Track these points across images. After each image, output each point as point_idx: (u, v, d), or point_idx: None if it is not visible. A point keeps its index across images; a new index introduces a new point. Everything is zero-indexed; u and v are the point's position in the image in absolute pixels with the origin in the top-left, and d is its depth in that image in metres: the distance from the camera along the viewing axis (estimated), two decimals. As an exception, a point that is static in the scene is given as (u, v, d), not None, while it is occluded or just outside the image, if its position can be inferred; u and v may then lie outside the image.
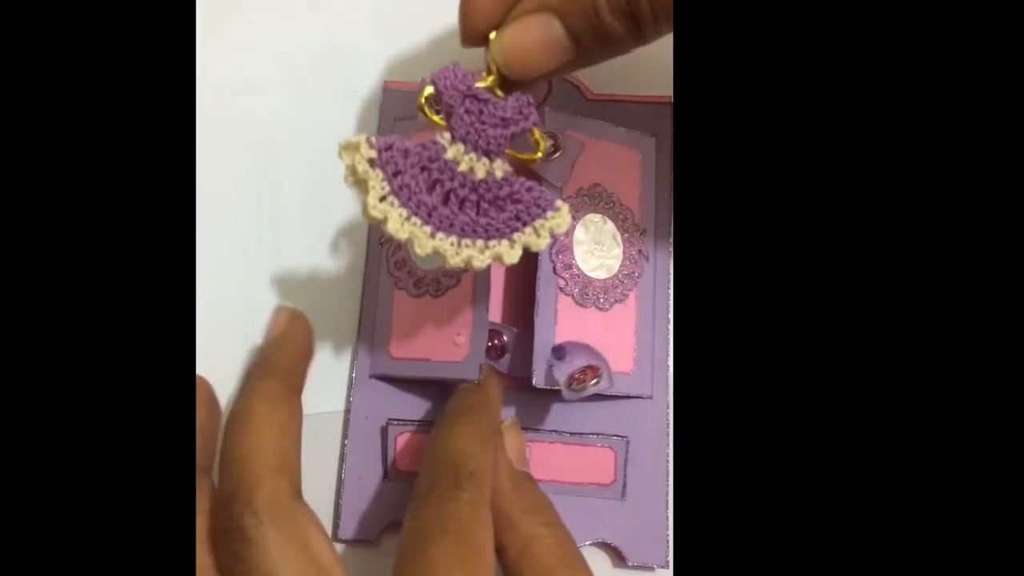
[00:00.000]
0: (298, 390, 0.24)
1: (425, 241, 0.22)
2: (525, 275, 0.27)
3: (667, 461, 0.27)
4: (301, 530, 0.21)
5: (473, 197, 0.23)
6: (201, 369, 0.27)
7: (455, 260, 0.23)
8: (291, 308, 0.26)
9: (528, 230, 0.23)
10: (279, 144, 0.31)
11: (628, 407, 0.28)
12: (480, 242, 0.23)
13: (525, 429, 0.27)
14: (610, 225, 0.28)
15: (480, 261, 0.23)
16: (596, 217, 0.28)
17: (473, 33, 0.22)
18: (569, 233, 0.27)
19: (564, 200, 0.24)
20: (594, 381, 0.25)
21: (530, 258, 0.26)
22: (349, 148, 0.22)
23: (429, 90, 0.22)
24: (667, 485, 0.27)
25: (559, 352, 0.26)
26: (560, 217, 0.23)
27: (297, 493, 0.22)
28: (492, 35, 0.22)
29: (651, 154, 0.29)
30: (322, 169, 0.30)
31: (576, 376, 0.25)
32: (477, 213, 0.23)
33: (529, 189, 0.23)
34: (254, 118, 0.31)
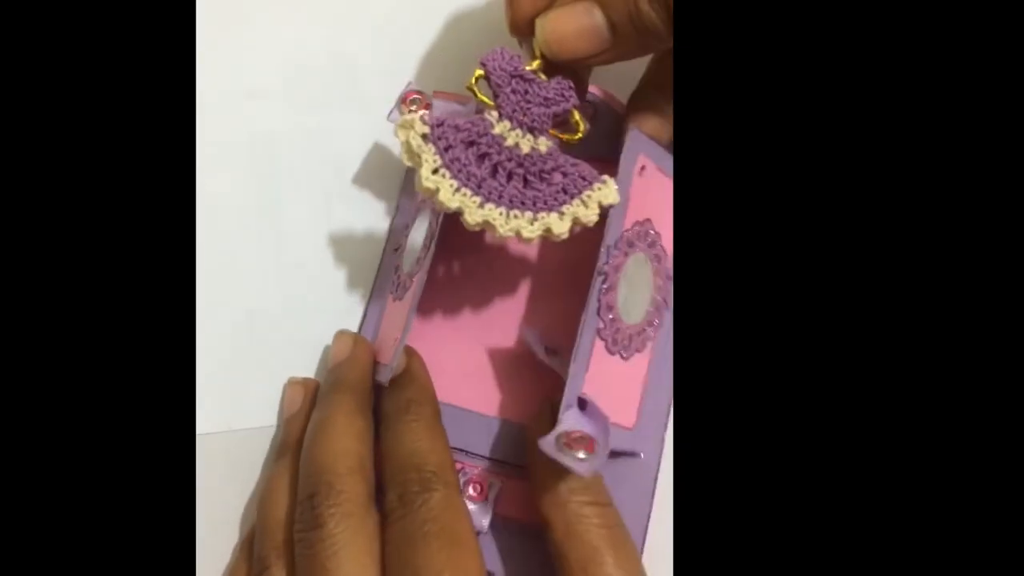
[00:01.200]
0: (370, 405, 0.25)
1: (475, 211, 0.23)
2: (573, 293, 0.26)
3: (646, 523, 0.25)
4: (369, 530, 0.22)
5: (520, 171, 0.23)
6: (201, 374, 0.27)
7: (504, 230, 0.23)
8: (352, 332, 0.27)
9: (576, 202, 0.24)
10: (283, 151, 0.31)
11: (615, 462, 0.25)
12: (529, 213, 0.23)
13: (502, 464, 0.26)
14: (648, 267, 0.26)
15: (530, 232, 0.23)
16: (642, 256, 0.26)
17: (520, 19, 0.24)
18: (619, 269, 0.25)
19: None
20: (581, 455, 0.21)
21: (583, 278, 0.25)
22: (404, 125, 0.23)
23: (479, 72, 0.24)
24: (643, 546, 0.25)
25: (582, 404, 0.23)
26: (607, 188, 0.24)
27: (371, 497, 0.23)
28: (538, 20, 0.24)
29: None
30: (325, 176, 0.31)
31: (569, 439, 0.22)
32: (524, 186, 0.24)
33: (575, 164, 0.24)
34: (258, 125, 0.31)
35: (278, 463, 0.25)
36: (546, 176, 0.24)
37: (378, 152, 0.31)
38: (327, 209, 0.30)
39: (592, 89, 0.27)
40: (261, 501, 0.25)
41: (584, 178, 0.24)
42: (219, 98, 0.31)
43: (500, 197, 0.23)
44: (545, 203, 0.24)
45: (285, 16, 0.33)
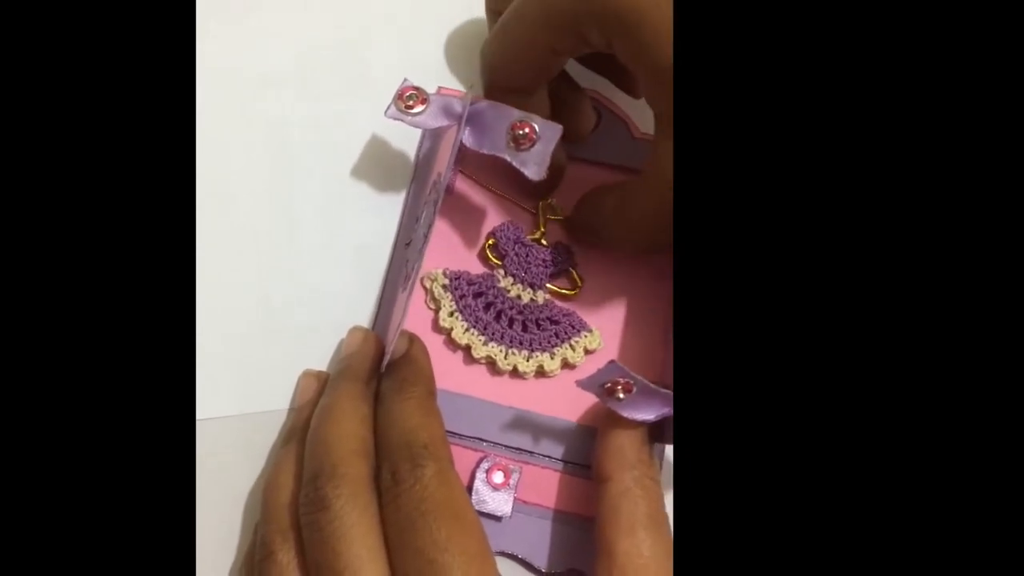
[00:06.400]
0: (374, 393, 0.26)
1: (480, 347, 0.28)
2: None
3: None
4: (374, 510, 0.23)
5: (519, 317, 0.29)
6: (213, 365, 0.28)
7: (503, 364, 0.28)
8: (364, 328, 0.28)
9: (566, 346, 0.29)
10: (295, 139, 0.31)
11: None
12: (525, 352, 0.28)
13: (519, 451, 0.28)
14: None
15: (525, 367, 0.28)
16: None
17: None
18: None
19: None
20: (621, 394, 0.25)
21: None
22: (431, 277, 0.29)
23: (491, 241, 0.30)
24: None
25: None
26: (592, 336, 0.29)
27: (375, 479, 0.24)
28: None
29: None
30: (338, 164, 0.31)
31: (611, 384, 0.25)
32: (523, 330, 0.29)
33: (567, 314, 0.29)
34: (271, 113, 0.31)
35: (284, 448, 0.26)
36: (542, 323, 0.29)
37: (389, 142, 0.32)
38: (340, 197, 0.31)
39: (598, 98, 0.31)
40: (266, 486, 0.25)
41: (573, 327, 0.29)
42: (232, 86, 0.31)
43: (502, 338, 0.28)
44: (540, 345, 0.29)
45: (299, 5, 0.33)
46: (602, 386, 0.25)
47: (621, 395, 0.25)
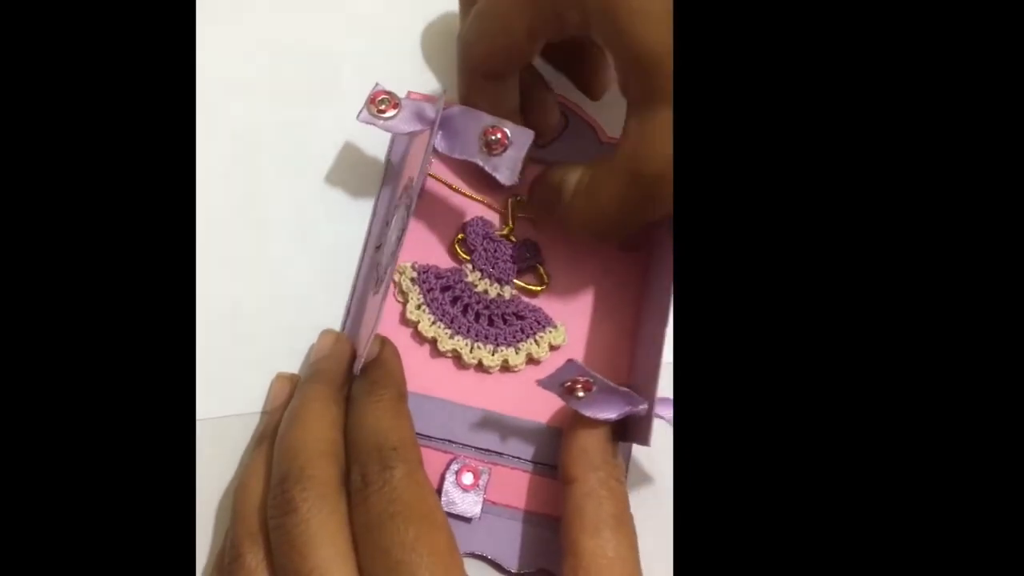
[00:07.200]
0: (345, 396, 0.26)
1: (446, 341, 0.28)
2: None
3: None
4: (342, 513, 0.23)
5: (486, 312, 0.29)
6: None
7: (468, 358, 0.28)
8: (335, 331, 0.29)
9: (531, 341, 0.29)
10: (265, 142, 0.31)
11: None
12: (490, 346, 0.29)
13: (488, 452, 0.28)
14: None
15: (490, 361, 0.28)
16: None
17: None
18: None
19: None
20: (580, 392, 0.25)
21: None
22: (399, 270, 0.29)
23: (460, 235, 0.30)
24: None
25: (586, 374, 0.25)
26: (558, 333, 0.29)
27: (343, 482, 0.24)
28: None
29: None
30: (308, 170, 0.31)
31: (570, 382, 0.25)
32: (489, 324, 0.29)
33: (533, 310, 0.29)
34: (241, 118, 0.32)
35: (255, 452, 0.26)
36: (508, 318, 0.29)
37: (360, 147, 0.32)
38: (309, 203, 0.31)
39: (566, 103, 0.31)
40: (237, 489, 0.25)
41: (539, 322, 0.29)
42: (203, 91, 0.32)
43: (468, 331, 0.29)
44: (505, 340, 0.29)
45: (268, 9, 0.33)
46: (562, 385, 0.25)
47: (580, 393, 0.25)
